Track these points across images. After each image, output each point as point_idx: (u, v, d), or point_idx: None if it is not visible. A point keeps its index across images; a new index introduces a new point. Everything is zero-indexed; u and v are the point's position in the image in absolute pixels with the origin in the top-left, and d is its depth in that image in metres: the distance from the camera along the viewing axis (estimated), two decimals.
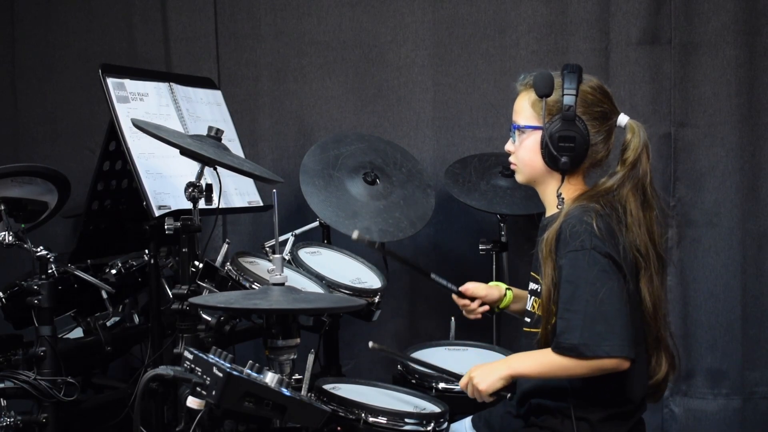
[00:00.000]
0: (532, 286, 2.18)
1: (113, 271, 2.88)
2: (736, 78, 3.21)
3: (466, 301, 2.45)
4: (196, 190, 2.45)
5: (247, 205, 3.06)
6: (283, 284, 2.07)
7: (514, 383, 2.13)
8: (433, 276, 2.46)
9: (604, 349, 1.93)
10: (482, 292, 2.44)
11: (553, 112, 2.09)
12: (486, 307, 2.45)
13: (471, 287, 2.45)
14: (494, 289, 2.46)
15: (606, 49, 3.29)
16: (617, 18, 3.27)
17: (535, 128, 2.13)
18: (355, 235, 2.34)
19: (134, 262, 2.94)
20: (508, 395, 2.14)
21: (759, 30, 3.20)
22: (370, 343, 2.25)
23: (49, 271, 2.57)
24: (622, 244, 2.02)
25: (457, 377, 2.22)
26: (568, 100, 2.07)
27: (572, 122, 2.07)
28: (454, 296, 2.47)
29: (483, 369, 2.11)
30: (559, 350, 1.98)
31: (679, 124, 3.26)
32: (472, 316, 2.48)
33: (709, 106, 3.24)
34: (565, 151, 2.08)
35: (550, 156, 2.09)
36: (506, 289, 2.46)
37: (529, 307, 2.20)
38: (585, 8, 3.30)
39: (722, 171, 3.24)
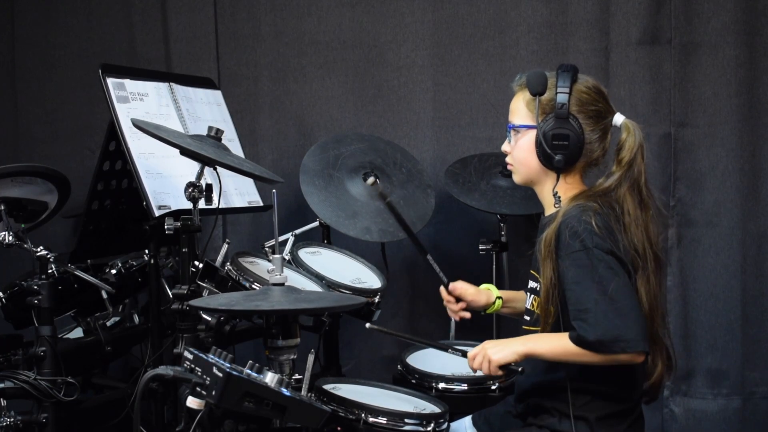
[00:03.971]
0: (532, 284, 2.18)
1: (113, 271, 2.88)
2: (736, 78, 3.20)
3: (450, 299, 2.42)
4: (196, 190, 2.45)
5: (247, 205, 3.05)
6: (283, 284, 2.07)
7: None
8: (429, 257, 2.41)
9: (620, 345, 1.93)
10: (469, 297, 2.41)
11: (547, 110, 2.10)
12: (467, 314, 2.42)
13: (459, 288, 2.42)
14: (483, 294, 2.43)
15: (606, 49, 3.29)
16: (617, 18, 3.27)
17: (529, 127, 2.13)
18: (370, 180, 2.32)
19: (134, 262, 2.93)
20: (520, 369, 2.11)
21: (759, 30, 3.19)
22: (368, 324, 2.23)
23: (49, 271, 2.57)
24: (622, 242, 2.02)
25: (464, 352, 2.19)
26: (562, 98, 2.07)
27: (566, 120, 2.07)
28: (441, 289, 2.44)
29: (498, 342, 2.10)
30: (576, 344, 1.97)
31: (679, 124, 3.26)
32: (451, 315, 2.47)
33: (709, 106, 3.24)
34: (559, 149, 2.08)
35: (545, 154, 2.09)
36: (497, 297, 2.43)
37: (528, 305, 2.20)
38: (585, 8, 3.30)
39: (722, 171, 3.24)
